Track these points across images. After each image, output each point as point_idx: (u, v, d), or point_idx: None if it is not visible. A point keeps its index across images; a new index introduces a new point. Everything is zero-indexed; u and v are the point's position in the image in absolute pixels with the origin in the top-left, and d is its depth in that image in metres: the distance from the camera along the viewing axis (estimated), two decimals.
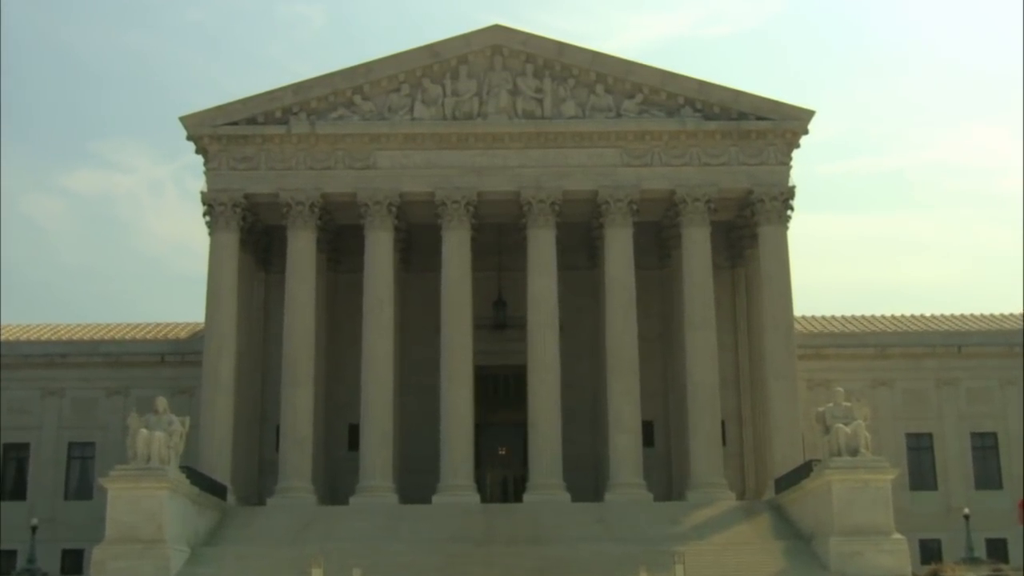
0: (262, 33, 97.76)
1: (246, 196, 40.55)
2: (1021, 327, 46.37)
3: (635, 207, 40.38)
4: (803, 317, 47.46)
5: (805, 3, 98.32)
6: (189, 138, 40.95)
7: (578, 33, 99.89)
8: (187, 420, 34.61)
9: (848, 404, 34.21)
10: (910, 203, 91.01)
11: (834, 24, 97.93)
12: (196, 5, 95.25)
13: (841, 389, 35.04)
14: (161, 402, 34.25)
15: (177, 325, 49.25)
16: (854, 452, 32.80)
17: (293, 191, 40.31)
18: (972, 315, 48.96)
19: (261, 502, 39.92)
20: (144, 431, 32.83)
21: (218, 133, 40.44)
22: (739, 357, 44.38)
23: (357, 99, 40.88)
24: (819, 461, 33.82)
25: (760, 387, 41.55)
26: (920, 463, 43.90)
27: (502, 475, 43.36)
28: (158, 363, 45.17)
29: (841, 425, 33.16)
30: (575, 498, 38.33)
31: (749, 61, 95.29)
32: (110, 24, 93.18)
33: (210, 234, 40.63)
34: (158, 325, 49.44)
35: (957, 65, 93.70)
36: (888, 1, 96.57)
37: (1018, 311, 48.94)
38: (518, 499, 39.39)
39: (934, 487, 43.70)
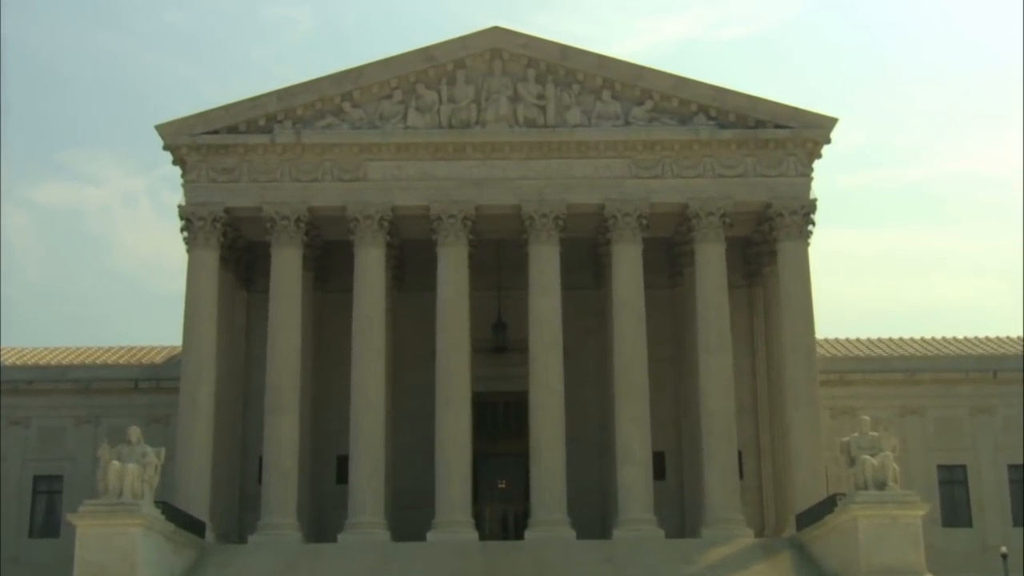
0: (244, 36, 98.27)
1: (227, 210, 40.58)
2: None
3: (644, 222, 40.43)
4: (825, 340, 47.39)
5: (823, 5, 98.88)
6: (166, 148, 41.00)
7: (582, 36, 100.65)
8: (162, 451, 34.47)
9: (875, 434, 34.11)
10: (937, 217, 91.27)
11: (854, 28, 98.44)
12: (173, 6, 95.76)
13: (867, 418, 34.92)
14: (134, 432, 34.11)
15: (152, 349, 49.16)
16: (882, 486, 32.67)
17: (277, 204, 40.35)
18: (1008, 338, 48.84)
19: (242, 540, 39.75)
20: (116, 463, 32.70)
21: (197, 142, 40.51)
22: (757, 383, 44.33)
23: (346, 106, 40.97)
24: (844, 495, 33.71)
25: (780, 415, 41.48)
26: (953, 497, 43.69)
27: (502, 510, 43.19)
28: (131, 390, 45.02)
29: (867, 456, 33.04)
30: (581, 535, 38.19)
31: (764, 66, 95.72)
32: (80, 25, 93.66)
33: (188, 251, 40.63)
34: (131, 349, 49.35)
35: (985, 70, 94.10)
36: (911, 5, 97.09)
37: None
38: (519, 536, 39.25)
39: (968, 523, 43.48)
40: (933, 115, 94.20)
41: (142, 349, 49.26)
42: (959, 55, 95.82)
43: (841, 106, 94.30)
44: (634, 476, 38.87)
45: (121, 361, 47.38)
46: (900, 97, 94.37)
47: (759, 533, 40.45)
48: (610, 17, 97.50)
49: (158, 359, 47.59)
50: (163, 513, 33.70)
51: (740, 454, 40.66)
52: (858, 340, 49.28)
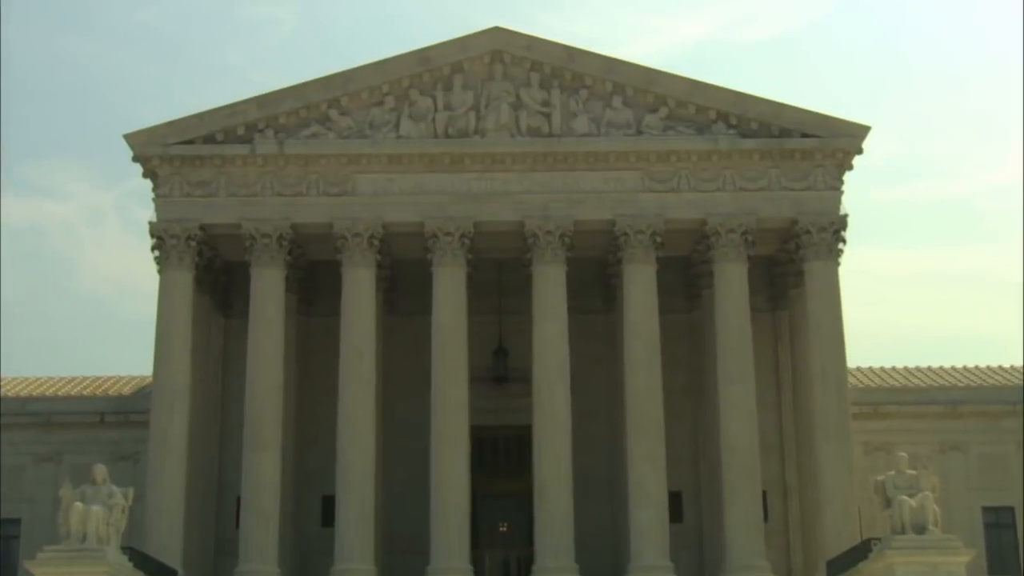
0: (222, 37, 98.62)
1: (202, 227, 40.57)
2: None
3: (659, 240, 40.41)
4: (858, 369, 47.30)
5: (848, 7, 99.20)
6: (135, 159, 41.01)
7: (590, 38, 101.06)
8: (131, 492, 34.32)
9: (913, 472, 33.99)
10: (980, 234, 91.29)
11: (888, 28, 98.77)
12: (144, 5, 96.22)
13: (904, 454, 34.81)
14: (100, 470, 33.96)
15: (120, 379, 49.04)
16: (921, 529, 32.54)
17: (258, 221, 40.32)
18: None
19: None
20: (79, 505, 32.54)
21: (169, 153, 40.51)
22: (782, 416, 44.20)
23: (333, 114, 41.01)
24: (879, 540, 33.54)
25: (808, 452, 41.30)
26: (1000, 542, 43.39)
27: (503, 555, 43.03)
28: (96, 424, 44.84)
29: (905, 497, 32.93)
30: None
31: (787, 70, 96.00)
32: (41, 26, 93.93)
33: (160, 272, 40.60)
34: (97, 379, 49.22)
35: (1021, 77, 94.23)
36: (939, 7, 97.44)
37: None
38: None
39: (1018, 571, 43.19)
40: (971, 123, 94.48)
41: (109, 379, 49.12)
42: (992, 60, 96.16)
43: (870, 114, 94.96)
44: (648, 518, 38.69)
45: (85, 392, 47.24)
46: (933, 104, 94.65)
47: None
48: (620, 17, 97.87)
49: (126, 390, 47.45)
50: (131, 560, 33.51)
51: (764, 494, 40.45)
52: (894, 369, 49.18)
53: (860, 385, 45.75)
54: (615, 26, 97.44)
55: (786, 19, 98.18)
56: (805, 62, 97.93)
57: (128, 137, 40.74)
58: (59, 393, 46.95)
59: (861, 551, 34.45)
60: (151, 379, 41.18)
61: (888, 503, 33.21)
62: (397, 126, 41.01)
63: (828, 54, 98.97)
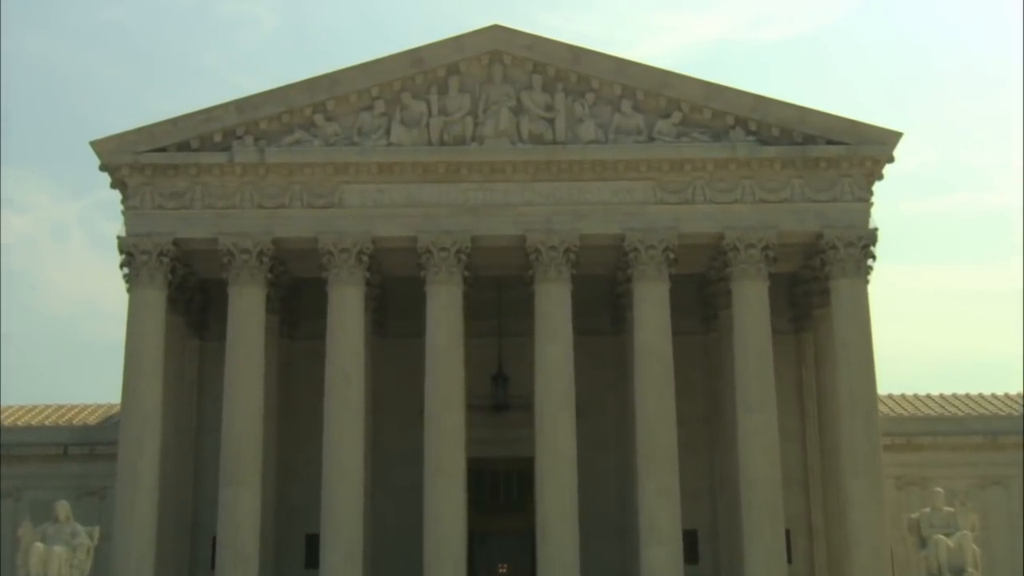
0: (197, 37, 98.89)
1: (176, 242, 40.55)
2: None
3: (672, 256, 40.41)
4: (889, 396, 47.38)
5: (874, 5, 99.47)
6: (102, 168, 41.00)
7: (597, 38, 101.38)
8: (96, 530, 34.21)
9: (950, 509, 33.94)
10: (1021, 250, 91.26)
11: (914, 28, 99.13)
12: (113, 2, 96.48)
13: (941, 490, 34.77)
14: (63, 507, 33.84)
15: (85, 408, 49.02)
16: (959, 571, 32.51)
17: (236, 235, 40.31)
18: None
19: None
20: (39, 545, 32.44)
21: (140, 162, 40.50)
22: (807, 448, 44.28)
23: (318, 119, 41.03)
24: None
25: (835, 487, 41.25)
26: None
27: None
28: (59, 457, 44.82)
29: (942, 536, 32.89)
30: None
31: (810, 72, 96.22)
32: (2, 24, 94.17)
33: (129, 290, 40.55)
34: (60, 408, 49.18)
35: None
36: (967, 9, 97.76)
37: None
38: None
39: None
40: (1008, 130, 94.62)
41: (73, 408, 49.07)
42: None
43: (898, 119, 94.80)
44: (661, 558, 38.55)
45: (47, 422, 47.16)
46: (965, 110, 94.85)
47: None
48: (629, 15, 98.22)
49: (92, 420, 47.40)
50: None
51: (788, 533, 40.37)
52: (928, 396, 49.21)
53: (892, 414, 45.76)
54: (624, 25, 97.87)
55: (807, 18, 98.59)
56: (828, 64, 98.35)
57: (95, 144, 40.70)
58: (18, 423, 46.77)
59: None
60: (119, 408, 41.03)
61: (923, 543, 33.17)
62: (388, 132, 40.98)
63: (852, 55, 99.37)
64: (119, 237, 40.64)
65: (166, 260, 40.37)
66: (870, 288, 40.65)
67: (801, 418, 44.39)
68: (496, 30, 41.50)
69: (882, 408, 42.13)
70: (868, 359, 39.93)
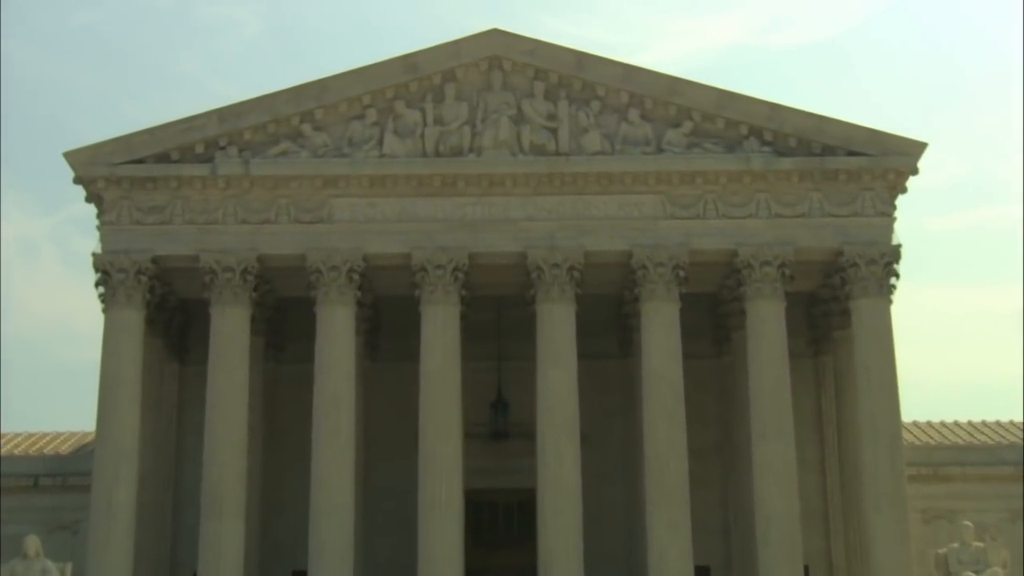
0: (176, 41, 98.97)
1: (155, 259, 40.52)
2: None
3: (682, 274, 40.38)
4: (915, 423, 47.30)
5: (897, 9, 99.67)
6: (77, 181, 40.99)
7: (603, 43, 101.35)
8: (68, 567, 34.09)
9: (980, 544, 33.90)
10: None
11: (941, 33, 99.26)
12: (86, 5, 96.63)
13: (970, 524, 34.67)
14: (32, 542, 33.71)
15: (57, 436, 48.93)
16: None
17: (219, 252, 40.28)
18: None
19: None
20: None
21: (116, 174, 40.49)
22: (827, 479, 44.20)
23: (306, 129, 41.06)
24: None
25: (857, 521, 41.20)
26: None
27: None
28: (29, 488, 44.68)
29: (971, 574, 32.78)
30: None
31: (829, 79, 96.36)
32: None
33: (104, 311, 40.51)
34: (31, 436, 49.06)
35: None
36: (1010, 6, 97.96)
37: None
38: None
39: None
40: None
41: (44, 436, 48.98)
42: None
43: (924, 129, 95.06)
44: None
45: (17, 451, 46.98)
46: (996, 119, 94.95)
47: None
48: (637, 19, 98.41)
49: (64, 449, 47.30)
50: None
51: (806, 570, 40.26)
52: (956, 424, 49.16)
53: (917, 443, 45.67)
54: (631, 29, 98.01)
55: (828, 22, 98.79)
56: (849, 71, 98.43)
57: (68, 155, 40.69)
58: None
59: None
60: (93, 436, 40.96)
61: None
62: (380, 143, 40.98)
63: (875, 61, 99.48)
64: (94, 254, 40.57)
65: (144, 279, 40.29)
66: (893, 308, 40.61)
67: (820, 447, 44.31)
68: (495, 34, 41.53)
69: (907, 436, 42.04)
70: (891, 384, 39.84)
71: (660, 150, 40.93)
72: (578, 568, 38.60)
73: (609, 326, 45.02)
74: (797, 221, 40.62)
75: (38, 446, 47.78)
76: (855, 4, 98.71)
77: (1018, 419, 49.43)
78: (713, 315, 44.64)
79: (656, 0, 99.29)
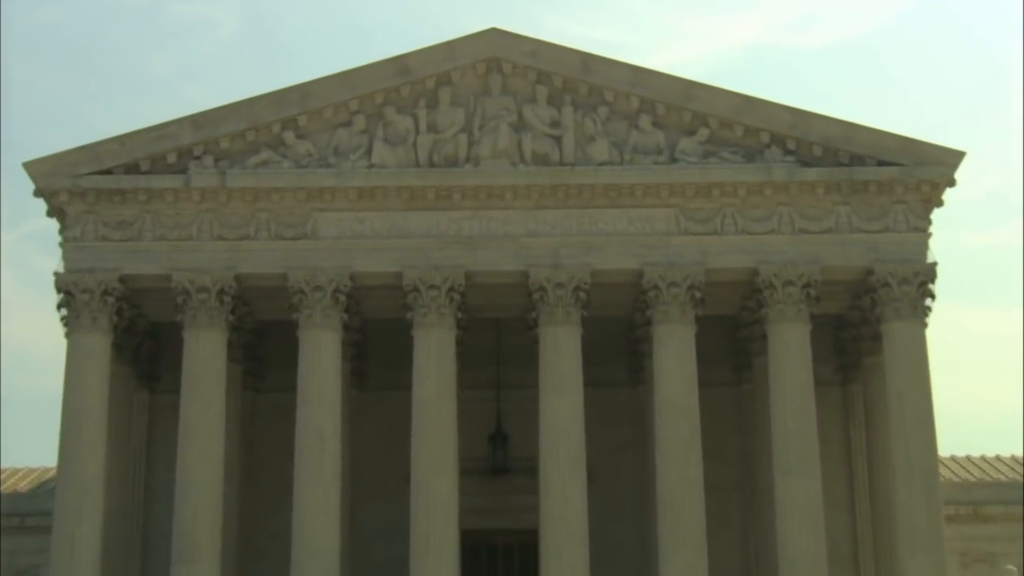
0: (147, 42, 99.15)
1: (123, 279, 40.49)
2: None
3: (698, 294, 40.37)
4: (952, 458, 47.32)
5: (933, 6, 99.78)
6: (37, 193, 40.96)
7: (612, 43, 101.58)
8: None
9: None
10: None
11: (979, 33, 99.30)
12: (49, 3, 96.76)
13: (1014, 568, 34.67)
14: None
15: (15, 472, 48.98)
16: None
17: (193, 271, 40.25)
18: None
19: None
20: None
21: (81, 186, 40.48)
22: (857, 518, 44.17)
23: (288, 137, 41.10)
24: None
25: (890, 564, 41.02)
26: None
27: None
28: None
29: None
30: None
31: (858, 83, 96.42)
32: None
33: (67, 335, 40.44)
34: None
35: None
36: None
37: None
38: None
39: None
40: None
41: (1, 473, 48.87)
42: None
43: (961, 137, 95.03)
44: None
45: None
46: None
47: None
48: (649, 18, 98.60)
49: (23, 487, 47.29)
50: None
51: None
52: (998, 458, 49.20)
53: (955, 479, 45.66)
54: (642, 29, 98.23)
55: (856, 20, 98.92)
56: (880, 73, 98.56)
57: (28, 166, 40.64)
58: None
59: None
60: (54, 473, 40.84)
61: None
62: (368, 152, 41.02)
63: (908, 63, 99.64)
64: (56, 273, 40.49)
65: (111, 300, 40.23)
66: (929, 332, 40.60)
67: (849, 484, 44.30)
68: (493, 34, 41.56)
69: (944, 472, 42.12)
70: (927, 414, 39.76)
71: (673, 160, 40.95)
72: None
73: (618, 352, 45.02)
74: (823, 237, 40.61)
75: None
76: (886, 0, 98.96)
77: None
78: (732, 340, 44.61)
79: None
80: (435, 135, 41.11)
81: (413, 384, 40.01)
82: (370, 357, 45.34)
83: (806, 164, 40.81)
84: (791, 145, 40.90)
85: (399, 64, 41.20)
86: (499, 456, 44.12)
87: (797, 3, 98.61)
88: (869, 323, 41.95)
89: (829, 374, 44.49)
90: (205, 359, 40.13)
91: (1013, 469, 47.99)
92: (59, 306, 40.57)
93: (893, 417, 40.04)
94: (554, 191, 40.70)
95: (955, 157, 40.73)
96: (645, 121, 41.13)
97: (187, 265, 40.32)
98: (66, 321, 40.47)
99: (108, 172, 40.63)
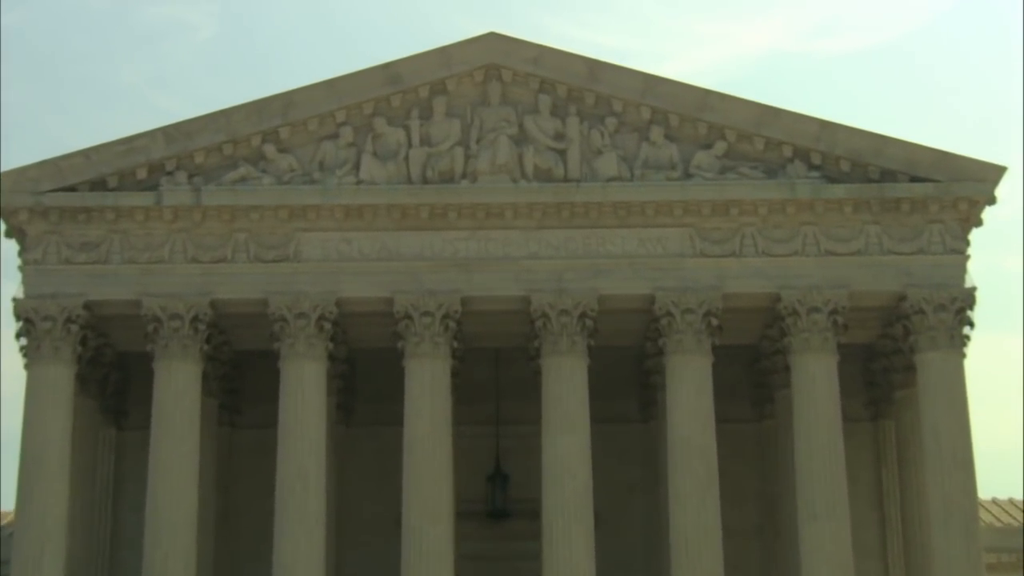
0: (115, 48, 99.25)
1: (88, 305, 40.34)
2: None
3: (715, 322, 40.20)
4: (993, 501, 47.31)
5: (966, 10, 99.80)
6: None
7: (620, 49, 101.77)
8: None
9: None
10: None
11: (1017, 39, 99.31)
12: (10, 5, 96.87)
13: None
14: None
15: None
16: None
17: (165, 297, 40.12)
18: None
19: None
20: None
21: (43, 204, 40.37)
22: (889, 567, 44.01)
23: (269, 150, 41.00)
24: None
25: None
26: None
27: None
28: None
29: None
30: None
31: (887, 92, 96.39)
32: None
33: (27, 367, 40.33)
34: None
35: None
36: None
37: None
38: None
39: None
40: None
41: None
42: None
43: (1004, 152, 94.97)
44: None
45: None
46: None
47: None
48: (662, 23, 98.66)
49: None
50: None
51: None
52: None
53: (998, 524, 45.63)
54: (654, 34, 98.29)
55: (886, 24, 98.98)
56: (912, 81, 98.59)
57: None
58: None
59: None
60: (12, 516, 40.71)
61: None
62: (356, 167, 40.92)
63: (942, 71, 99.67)
64: (15, 299, 40.38)
65: (75, 328, 40.09)
66: (967, 363, 40.38)
67: (881, 529, 44.20)
68: (492, 39, 41.52)
69: (985, 516, 42.22)
70: (966, 453, 39.51)
71: (688, 175, 40.85)
72: None
73: (628, 384, 45.00)
74: (851, 259, 40.44)
75: None
76: (918, 4, 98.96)
77: None
78: (752, 371, 44.57)
79: (681, 1, 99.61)
80: (429, 149, 41.00)
81: (404, 420, 39.83)
82: (358, 390, 45.26)
83: (832, 180, 40.70)
84: (816, 159, 40.79)
85: (390, 71, 41.14)
86: (498, 498, 44.10)
87: (821, 6, 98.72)
88: (902, 353, 41.75)
89: (858, 409, 44.39)
90: (177, 392, 39.95)
91: None
92: (18, 335, 40.43)
93: (928, 456, 39.83)
94: (558, 209, 40.58)
95: (996, 172, 40.53)
96: (657, 133, 41.05)
97: (158, 290, 40.19)
98: (26, 351, 40.34)
99: (72, 189, 40.55)
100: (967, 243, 40.74)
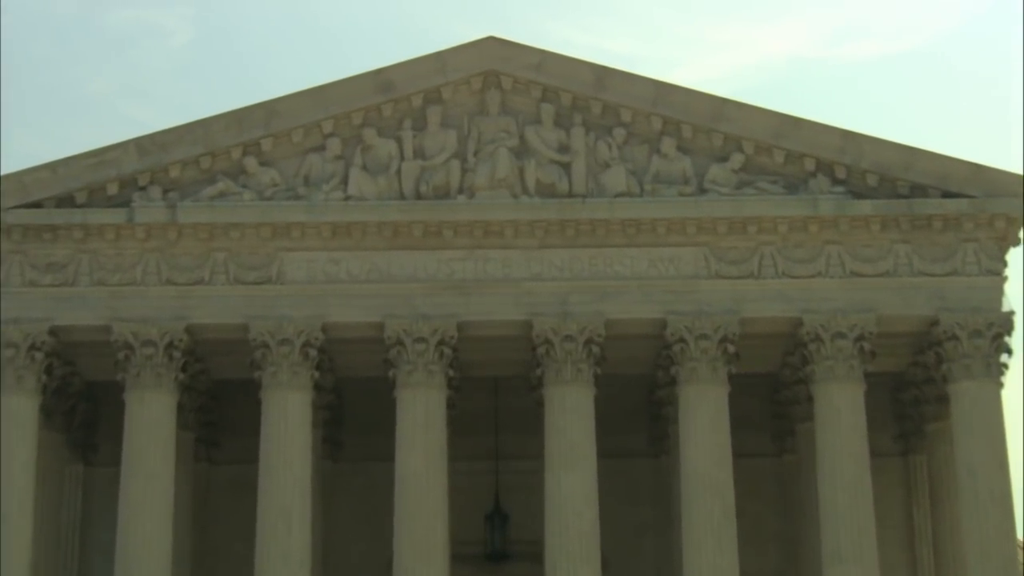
0: (83, 54, 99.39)
1: (53, 331, 40.27)
2: None
3: (732, 349, 40.16)
4: None
5: (1004, 6, 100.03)
6: None
7: (628, 56, 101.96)
8: None
9: None
10: None
11: None
12: None
13: None
14: None
15: None
16: None
17: (137, 322, 40.05)
18: None
19: None
20: None
21: (6, 222, 40.30)
22: None
23: (250, 163, 41.00)
24: None
25: None
26: None
27: None
28: None
29: None
30: None
31: (918, 102, 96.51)
32: None
33: None
34: None
35: None
36: None
37: None
38: None
39: None
40: None
41: None
42: None
43: None
44: None
45: None
46: None
47: None
48: (671, 27, 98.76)
49: None
50: None
51: None
52: None
53: None
54: (665, 40, 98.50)
55: (914, 28, 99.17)
56: (944, 89, 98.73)
57: None
58: None
59: None
60: None
61: None
62: (344, 182, 40.92)
63: (976, 78, 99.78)
64: None
65: (39, 356, 40.02)
66: (1004, 393, 40.39)
67: (912, 572, 44.14)
68: (491, 44, 41.55)
69: None
70: (1004, 490, 39.45)
71: (702, 191, 40.87)
72: None
73: (638, 416, 44.96)
74: (879, 281, 40.41)
75: None
76: (951, 3, 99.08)
77: None
78: (772, 402, 44.61)
79: (694, 4, 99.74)
80: (422, 162, 41.02)
81: (396, 454, 39.80)
82: (346, 422, 45.28)
83: (858, 196, 40.71)
84: (840, 173, 40.79)
85: (381, 79, 41.21)
86: (497, 539, 44.07)
87: (844, 10, 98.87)
88: (934, 383, 41.80)
89: (887, 443, 44.33)
90: (151, 425, 39.86)
91: None
92: None
93: (963, 494, 39.76)
94: (562, 227, 40.56)
95: None
96: (669, 145, 41.06)
97: (130, 315, 40.15)
98: None
99: (37, 205, 40.53)
100: (1004, 264, 40.70)
